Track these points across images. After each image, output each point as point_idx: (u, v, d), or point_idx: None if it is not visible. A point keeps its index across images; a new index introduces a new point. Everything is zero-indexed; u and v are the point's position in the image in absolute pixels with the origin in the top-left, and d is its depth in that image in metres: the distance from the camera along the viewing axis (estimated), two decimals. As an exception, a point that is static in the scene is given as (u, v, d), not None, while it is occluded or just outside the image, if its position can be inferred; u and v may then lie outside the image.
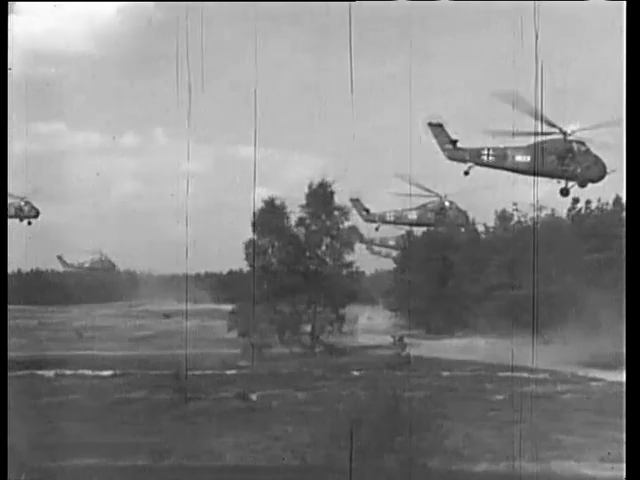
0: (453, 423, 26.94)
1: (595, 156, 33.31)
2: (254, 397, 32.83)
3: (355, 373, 38.93)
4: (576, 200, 47.46)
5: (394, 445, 23.34)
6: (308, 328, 46.98)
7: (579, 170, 32.87)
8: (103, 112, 51.61)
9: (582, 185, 33.51)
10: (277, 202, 47.61)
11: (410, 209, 38.92)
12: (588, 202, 48.51)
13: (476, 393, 33.47)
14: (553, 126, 31.82)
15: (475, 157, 33.14)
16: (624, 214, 48.65)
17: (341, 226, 47.88)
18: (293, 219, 48.25)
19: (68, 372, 38.10)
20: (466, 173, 33.77)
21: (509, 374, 37.31)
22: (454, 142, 33.06)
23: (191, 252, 27.14)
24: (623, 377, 38.01)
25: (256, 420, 28.20)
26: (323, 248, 48.21)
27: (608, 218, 48.51)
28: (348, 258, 47.74)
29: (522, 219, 51.48)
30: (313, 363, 41.90)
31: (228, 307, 48.90)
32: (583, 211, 48.75)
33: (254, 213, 46.56)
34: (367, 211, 40.28)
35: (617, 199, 48.44)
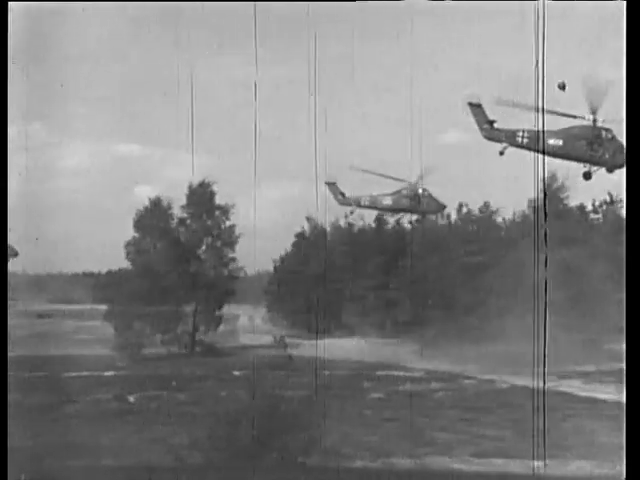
0: (332, 422, 27.37)
1: (621, 143, 33.94)
2: (132, 399, 32.36)
3: (236, 373, 38.89)
4: (461, 205, 49.08)
5: (274, 444, 23.52)
6: (188, 328, 46.59)
7: (607, 156, 33.69)
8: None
9: (610, 170, 34.09)
10: (160, 201, 47.06)
11: (385, 194, 38.99)
12: (460, 205, 50.08)
13: (354, 392, 34.05)
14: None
15: (511, 138, 33.37)
16: (498, 218, 50.61)
17: (222, 226, 47.76)
18: (175, 219, 47.80)
19: None
20: (501, 153, 33.67)
21: (385, 373, 38.28)
22: (491, 122, 33.34)
23: (69, 250, 26.58)
24: (495, 375, 39.57)
25: (134, 422, 27.82)
26: (203, 248, 48.01)
27: (484, 223, 50.26)
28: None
29: (401, 221, 52.69)
30: (193, 363, 41.64)
31: (105, 307, 47.90)
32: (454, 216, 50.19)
33: (136, 212, 45.91)
34: (343, 195, 40.06)
35: (485, 204, 50.26)
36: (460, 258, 46.65)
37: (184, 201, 47.25)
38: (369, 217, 50.76)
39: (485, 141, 35.94)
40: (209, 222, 47.77)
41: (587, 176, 34.45)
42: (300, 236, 53.80)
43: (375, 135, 44.07)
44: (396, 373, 38.20)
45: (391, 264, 50.03)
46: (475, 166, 41.78)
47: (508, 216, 50.43)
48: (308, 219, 52.32)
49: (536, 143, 32.40)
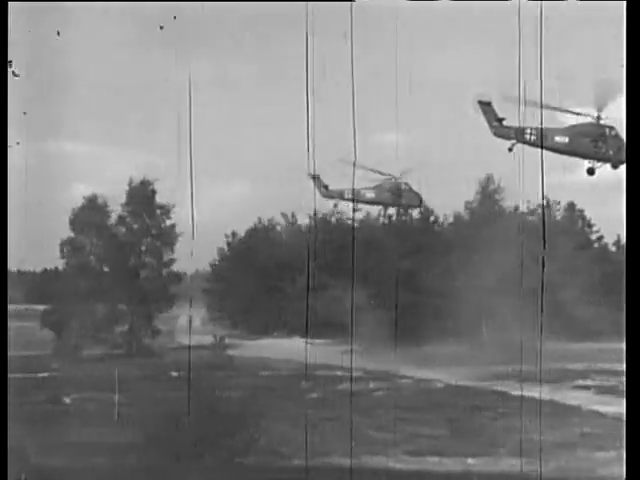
0: (270, 422, 27.46)
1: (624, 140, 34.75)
2: (67, 400, 31.93)
3: (174, 374, 38.63)
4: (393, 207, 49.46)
5: (212, 445, 23.50)
6: (126, 329, 46.13)
7: (611, 152, 34.60)
8: None
9: (615, 166, 34.74)
10: (96, 199, 46.40)
11: (367, 188, 39.23)
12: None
13: (293, 392, 34.18)
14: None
15: (519, 135, 34.07)
16: (434, 221, 51.24)
17: (163, 225, 47.39)
18: (114, 217, 47.25)
19: None
20: (510, 150, 34.27)
21: (324, 373, 38.45)
22: (500, 120, 34.09)
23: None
24: (431, 374, 40.06)
25: (69, 424, 27.48)
26: (143, 248, 47.56)
27: (419, 226, 50.87)
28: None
29: (342, 221, 52.99)
30: (131, 364, 41.24)
31: (41, 307, 47.11)
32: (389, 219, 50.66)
33: (72, 210, 45.27)
34: (326, 188, 40.06)
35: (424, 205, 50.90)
36: (398, 258, 47.14)
37: (124, 199, 46.80)
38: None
39: (425, 142, 36.74)
40: (149, 221, 47.36)
41: (591, 172, 35.44)
42: (232, 235, 53.80)
43: (319, 135, 44.35)
44: (334, 373, 38.43)
45: (333, 263, 50.28)
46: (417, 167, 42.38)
47: (448, 217, 51.26)
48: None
49: (544, 140, 33.53)
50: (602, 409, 29.02)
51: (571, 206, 48.69)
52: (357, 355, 44.00)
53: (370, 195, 39.40)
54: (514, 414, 28.22)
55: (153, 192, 46.80)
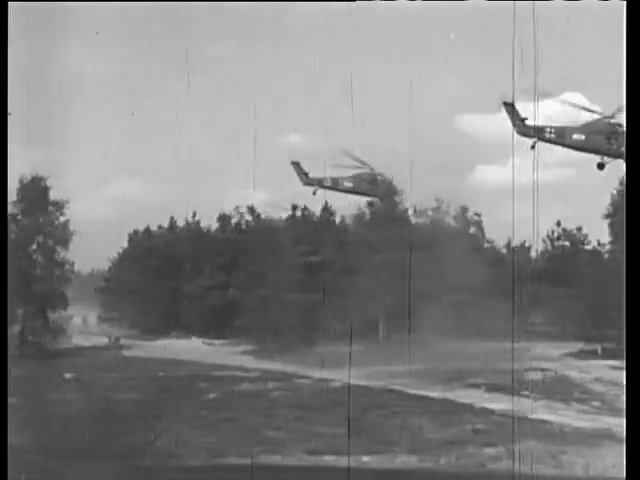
0: (167, 423, 27.24)
1: None
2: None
3: (67, 376, 37.82)
4: (295, 207, 49.74)
5: (107, 448, 23.16)
6: (17, 329, 44.80)
7: (622, 149, 36.19)
8: None
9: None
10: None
11: (345, 177, 38.99)
12: (305, 209, 50.87)
13: (190, 393, 33.98)
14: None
15: (540, 133, 36.53)
16: (336, 219, 51.79)
17: (56, 222, 46.24)
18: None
19: None
20: (532, 147, 36.43)
21: (222, 373, 38.40)
22: (523, 120, 36.30)
23: None
24: (329, 374, 40.54)
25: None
26: (34, 247, 46.32)
27: (319, 225, 51.28)
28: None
29: (242, 221, 52.98)
30: (22, 366, 40.06)
31: None
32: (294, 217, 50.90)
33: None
34: (306, 175, 39.58)
35: (325, 206, 51.41)
36: (298, 258, 47.48)
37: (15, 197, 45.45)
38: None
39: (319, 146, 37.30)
40: (42, 219, 46.12)
41: (601, 167, 37.81)
42: (134, 234, 53.09)
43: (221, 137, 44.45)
44: (233, 373, 38.42)
45: (232, 263, 50.22)
46: (319, 169, 42.77)
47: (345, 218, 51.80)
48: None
49: (561, 138, 36.90)
50: (492, 406, 29.97)
51: (464, 209, 50.07)
52: (254, 355, 44.19)
53: (348, 184, 40.02)
54: (409, 412, 28.93)
55: (46, 188, 45.63)
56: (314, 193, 41.13)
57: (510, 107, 36.36)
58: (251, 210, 51.04)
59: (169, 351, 44.75)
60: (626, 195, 12.21)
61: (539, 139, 36.56)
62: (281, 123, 43.72)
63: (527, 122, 36.25)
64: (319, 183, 40.07)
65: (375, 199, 41.50)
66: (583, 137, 37.63)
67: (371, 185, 40.51)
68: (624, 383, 35.46)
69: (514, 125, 36.54)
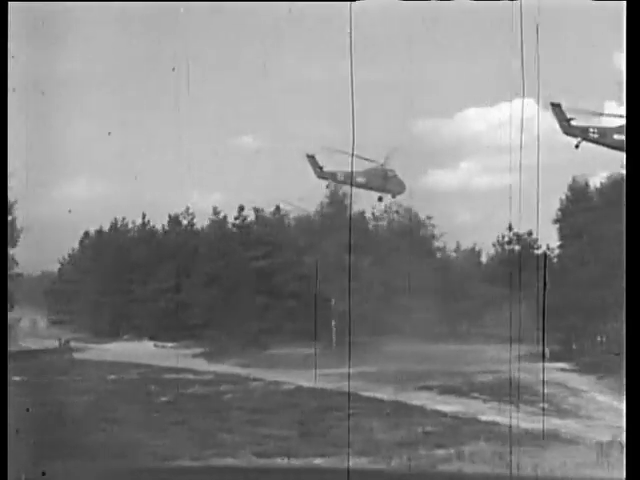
0: (118, 426, 27.02)
1: None
2: None
3: (15, 379, 37.16)
4: (241, 208, 49.63)
5: (56, 451, 22.91)
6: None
7: None
8: None
9: None
10: None
11: (358, 172, 38.85)
12: (257, 210, 50.75)
13: (142, 396, 33.73)
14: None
15: (584, 133, 37.91)
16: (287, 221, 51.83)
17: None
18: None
19: None
20: (576, 146, 37.84)
21: (174, 376, 38.15)
22: (569, 120, 37.69)
23: None
24: (282, 376, 40.40)
25: None
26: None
27: (273, 227, 51.25)
28: None
29: (192, 223, 52.69)
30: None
31: None
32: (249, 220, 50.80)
33: None
34: (320, 168, 39.45)
35: (277, 209, 51.38)
36: (249, 261, 47.41)
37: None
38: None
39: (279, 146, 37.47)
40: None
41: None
42: (85, 235, 52.52)
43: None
44: (184, 376, 38.21)
45: (184, 266, 49.94)
46: (268, 170, 42.80)
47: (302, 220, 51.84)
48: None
49: (604, 138, 38.09)
50: (444, 408, 30.27)
51: (414, 212, 50.51)
52: (206, 358, 43.99)
53: (361, 179, 40.02)
54: (361, 414, 29.09)
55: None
56: (327, 187, 41.57)
57: (557, 107, 37.56)
58: (206, 212, 50.85)
59: (120, 354, 44.35)
60: (626, 195, 12.41)
61: (584, 139, 38.18)
62: (233, 125, 43.75)
63: (572, 122, 37.94)
64: (333, 177, 40.46)
65: (384, 194, 41.52)
66: (623, 137, 39.55)
67: (383, 180, 40.79)
68: (572, 385, 36.08)
69: (560, 125, 37.92)
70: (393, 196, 41.93)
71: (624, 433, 26.22)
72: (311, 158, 40.09)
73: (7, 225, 14.70)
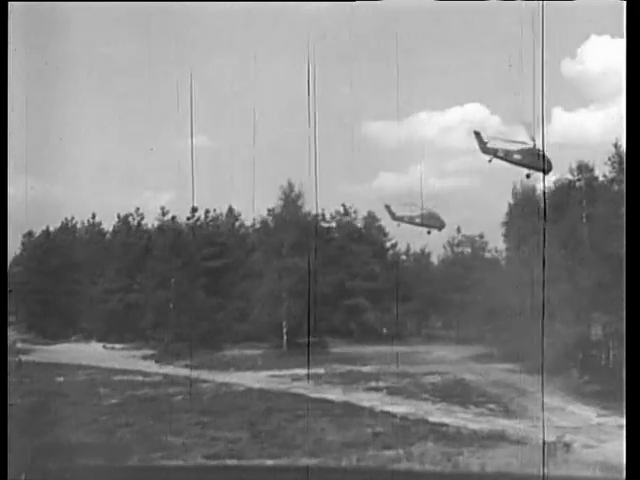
0: (64, 429, 26.71)
1: None
2: None
3: (-41, 381, 36.47)
4: (195, 209, 49.35)
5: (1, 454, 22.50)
6: None
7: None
8: None
9: None
10: None
11: (515, 150, 42.10)
12: (207, 211, 50.58)
13: (89, 398, 33.36)
14: None
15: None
16: (238, 224, 51.78)
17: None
18: None
19: None
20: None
21: (123, 378, 37.82)
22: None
23: None
24: (232, 378, 40.33)
25: None
26: None
27: (224, 228, 51.16)
28: None
29: (142, 223, 52.32)
30: None
31: None
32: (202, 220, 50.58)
33: None
34: (485, 144, 42.85)
35: (230, 209, 51.27)
36: (202, 261, 47.24)
37: None
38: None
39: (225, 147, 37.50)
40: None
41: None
42: (29, 235, 51.81)
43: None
44: (133, 378, 37.89)
45: (134, 266, 49.55)
46: (225, 171, 42.70)
47: (248, 222, 51.86)
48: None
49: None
50: (393, 409, 30.49)
51: (371, 215, 50.87)
52: (155, 359, 43.68)
53: (517, 157, 42.20)
54: (311, 416, 29.15)
55: None
56: (490, 161, 44.18)
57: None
58: (155, 212, 50.50)
59: (68, 356, 43.81)
60: (626, 195, 12.37)
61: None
62: (182, 125, 43.46)
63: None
64: (494, 153, 42.74)
65: (534, 172, 43.63)
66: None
67: (537, 159, 42.90)
68: (519, 387, 36.47)
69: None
70: (545, 173, 44.57)
71: (568, 434, 26.68)
72: (477, 134, 42.99)
73: (7, 225, 14.45)
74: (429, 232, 47.52)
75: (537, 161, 42.32)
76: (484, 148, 43.42)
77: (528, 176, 41.46)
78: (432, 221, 46.21)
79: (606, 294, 33.61)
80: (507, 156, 42.99)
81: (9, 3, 13.75)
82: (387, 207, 47.05)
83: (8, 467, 12.72)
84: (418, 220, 46.10)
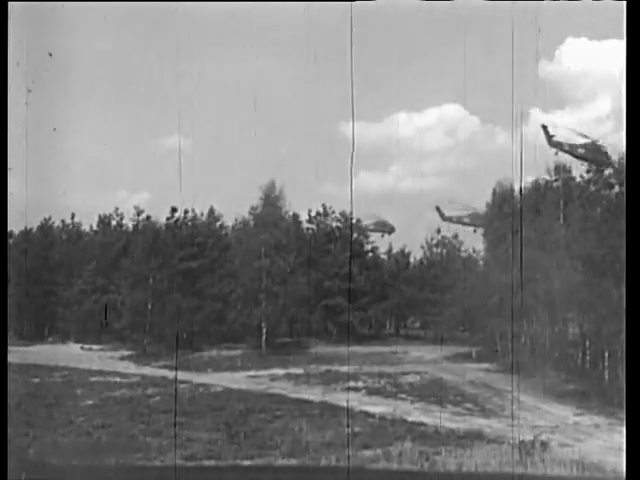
0: (40, 430, 26.52)
1: None
2: None
3: None
4: (174, 209, 49.16)
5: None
6: None
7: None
8: None
9: None
10: None
11: (580, 145, 42.86)
12: (186, 212, 50.40)
13: (65, 399, 33.14)
14: None
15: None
16: (218, 224, 51.60)
17: None
18: None
19: None
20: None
21: (100, 379, 37.61)
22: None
23: None
24: (210, 379, 40.22)
25: None
26: None
27: (203, 228, 50.98)
28: None
29: (122, 223, 52.10)
30: None
31: None
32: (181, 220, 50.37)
33: None
34: (551, 137, 43.04)
35: (211, 210, 51.11)
36: (179, 262, 47.09)
37: None
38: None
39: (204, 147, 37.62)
40: None
41: None
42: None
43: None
44: (111, 379, 37.71)
45: (111, 267, 49.33)
46: (201, 171, 42.59)
47: (230, 222, 51.74)
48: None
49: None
50: (371, 409, 30.53)
51: (346, 215, 50.94)
52: (133, 360, 43.51)
53: (581, 151, 42.86)
54: (289, 416, 29.16)
55: None
56: (556, 154, 44.39)
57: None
58: (134, 212, 50.29)
59: (45, 357, 43.52)
60: (626, 195, 12.37)
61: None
62: (161, 126, 43.41)
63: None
64: (559, 146, 43.22)
65: (592, 167, 44.07)
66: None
67: (600, 155, 43.28)
68: (496, 386, 36.64)
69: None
70: (606, 168, 44.95)
71: (544, 433, 26.84)
72: (544, 128, 43.49)
73: (7, 226, 14.36)
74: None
75: (599, 156, 43.16)
76: (551, 142, 44.04)
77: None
78: (479, 221, 46.84)
79: (582, 294, 33.89)
80: (572, 150, 43.69)
81: (9, 3, 13.69)
82: (437, 208, 47.67)
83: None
84: (467, 220, 47.11)
